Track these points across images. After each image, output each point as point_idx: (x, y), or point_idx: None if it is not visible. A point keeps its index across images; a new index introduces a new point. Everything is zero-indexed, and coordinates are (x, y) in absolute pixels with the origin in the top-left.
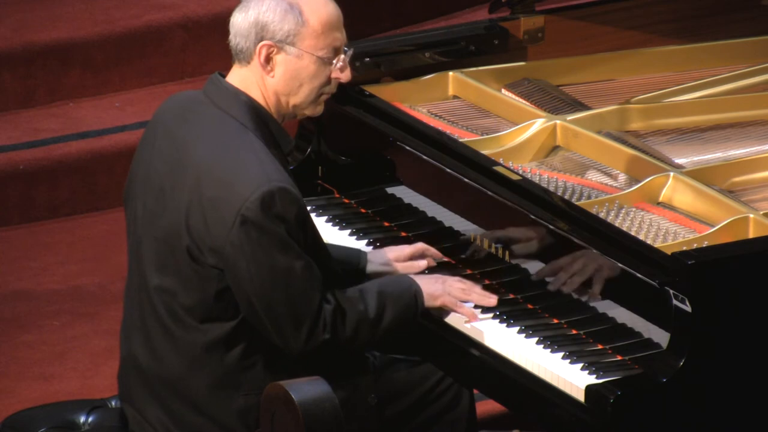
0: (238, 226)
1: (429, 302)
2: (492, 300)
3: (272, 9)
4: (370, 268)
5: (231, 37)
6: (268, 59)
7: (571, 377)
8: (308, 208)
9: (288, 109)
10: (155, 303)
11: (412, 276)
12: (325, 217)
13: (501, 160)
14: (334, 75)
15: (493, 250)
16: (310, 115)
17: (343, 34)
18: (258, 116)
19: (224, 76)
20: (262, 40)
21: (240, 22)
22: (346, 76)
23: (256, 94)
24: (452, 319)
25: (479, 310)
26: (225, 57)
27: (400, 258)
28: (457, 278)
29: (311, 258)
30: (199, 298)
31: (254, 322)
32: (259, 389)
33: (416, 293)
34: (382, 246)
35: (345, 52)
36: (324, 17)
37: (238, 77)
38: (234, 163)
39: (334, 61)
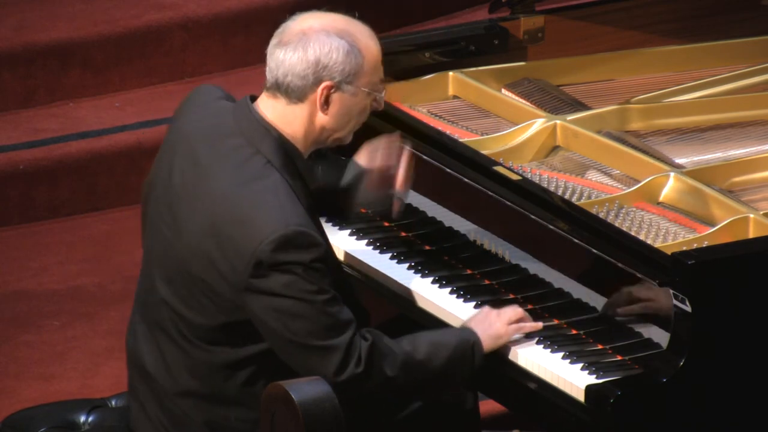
0: (252, 267)
1: (495, 343)
2: (539, 324)
3: (335, 50)
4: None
5: (278, 74)
6: (327, 99)
7: (571, 377)
8: None
9: (325, 140)
10: (162, 312)
11: (467, 320)
12: (325, 217)
13: (501, 160)
14: (376, 106)
15: (493, 250)
16: (340, 144)
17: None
18: (286, 154)
19: (253, 99)
20: (321, 81)
21: (294, 61)
22: (382, 105)
23: (297, 131)
24: (453, 320)
25: (475, 307)
26: (225, 57)
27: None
28: (499, 311)
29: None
30: (207, 323)
31: (283, 357)
32: (254, 421)
33: (474, 345)
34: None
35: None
36: (375, 53)
37: (278, 112)
38: (254, 203)
39: (379, 93)
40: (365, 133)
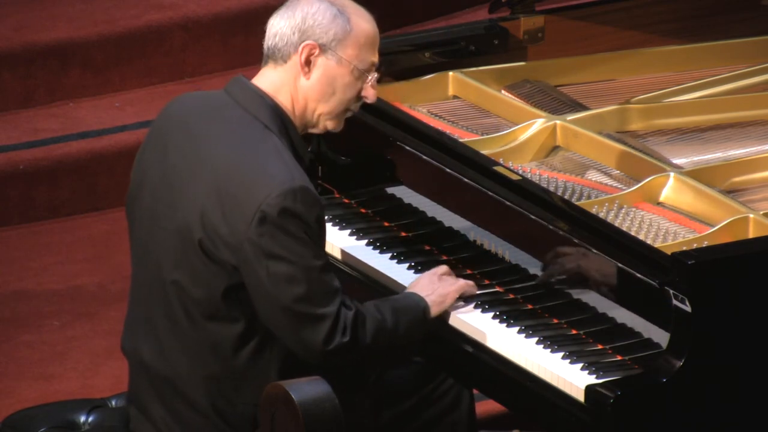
0: (257, 222)
1: (439, 308)
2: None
3: (322, 12)
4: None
5: (269, 39)
6: (308, 60)
7: (571, 377)
8: None
9: (313, 118)
10: (170, 298)
11: (411, 286)
12: (326, 217)
13: (501, 160)
14: (364, 92)
15: (493, 250)
16: (331, 130)
17: (378, 55)
18: (281, 122)
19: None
20: (304, 41)
21: (283, 24)
22: (373, 95)
23: (285, 99)
24: (452, 320)
25: (475, 307)
26: (225, 57)
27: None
28: (439, 276)
29: None
30: (207, 293)
31: (272, 325)
32: (257, 399)
33: (425, 309)
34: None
35: (377, 71)
36: (369, 31)
37: (268, 79)
38: (258, 162)
39: (369, 77)
40: (364, 132)
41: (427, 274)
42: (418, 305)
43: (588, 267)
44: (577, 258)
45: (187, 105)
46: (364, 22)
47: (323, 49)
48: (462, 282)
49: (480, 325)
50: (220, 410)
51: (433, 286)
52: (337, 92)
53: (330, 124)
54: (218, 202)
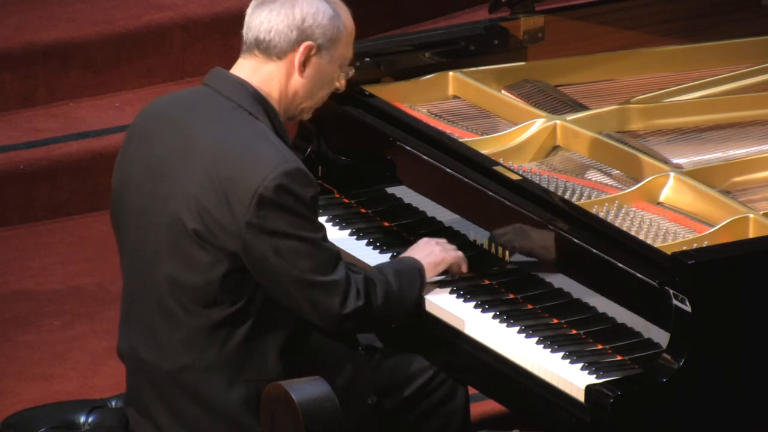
0: (255, 206)
1: (435, 270)
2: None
3: (321, 12)
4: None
5: (260, 30)
6: (306, 60)
7: (571, 377)
8: None
9: (295, 110)
10: (166, 291)
11: (408, 250)
12: (325, 217)
13: (501, 160)
14: (338, 83)
15: (493, 250)
16: (303, 119)
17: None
18: (264, 109)
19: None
20: (304, 41)
21: (280, 18)
22: (344, 85)
23: (272, 90)
24: (452, 320)
25: (475, 306)
26: (225, 57)
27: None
28: (437, 240)
29: None
30: (205, 281)
31: (285, 301)
32: (260, 376)
33: (420, 270)
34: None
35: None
36: (352, 28)
37: (254, 70)
38: (249, 146)
39: (346, 71)
40: (364, 132)
41: (425, 239)
42: (414, 266)
43: (584, 260)
44: (568, 249)
45: (167, 103)
46: (350, 20)
47: (319, 49)
48: (460, 253)
49: (480, 324)
50: (222, 396)
51: (430, 248)
52: (324, 88)
53: (307, 116)
54: (212, 188)
